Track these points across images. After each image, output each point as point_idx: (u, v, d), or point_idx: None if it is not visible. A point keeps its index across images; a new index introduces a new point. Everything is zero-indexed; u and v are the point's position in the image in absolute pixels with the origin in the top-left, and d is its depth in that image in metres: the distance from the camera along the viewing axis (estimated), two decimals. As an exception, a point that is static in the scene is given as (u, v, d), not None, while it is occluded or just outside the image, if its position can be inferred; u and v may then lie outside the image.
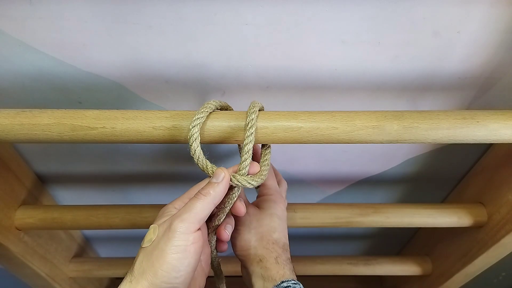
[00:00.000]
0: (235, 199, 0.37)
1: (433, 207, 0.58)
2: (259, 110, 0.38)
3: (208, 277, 0.40)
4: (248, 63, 0.45)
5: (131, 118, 0.36)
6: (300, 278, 0.39)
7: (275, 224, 0.41)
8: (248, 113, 0.36)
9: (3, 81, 0.46)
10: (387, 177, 0.67)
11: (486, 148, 0.58)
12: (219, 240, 0.40)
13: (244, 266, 0.41)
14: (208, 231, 0.38)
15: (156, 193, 0.69)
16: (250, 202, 0.45)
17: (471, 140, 0.37)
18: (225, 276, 0.46)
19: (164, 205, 0.37)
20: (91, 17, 0.40)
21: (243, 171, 0.35)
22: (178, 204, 0.36)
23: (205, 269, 0.39)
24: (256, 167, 0.38)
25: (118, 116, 0.36)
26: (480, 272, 0.63)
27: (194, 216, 0.32)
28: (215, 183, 0.34)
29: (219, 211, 0.37)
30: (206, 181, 0.37)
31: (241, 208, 0.38)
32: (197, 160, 0.35)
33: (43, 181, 0.66)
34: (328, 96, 0.49)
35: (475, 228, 0.59)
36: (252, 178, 0.36)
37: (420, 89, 0.48)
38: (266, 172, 0.37)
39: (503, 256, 0.58)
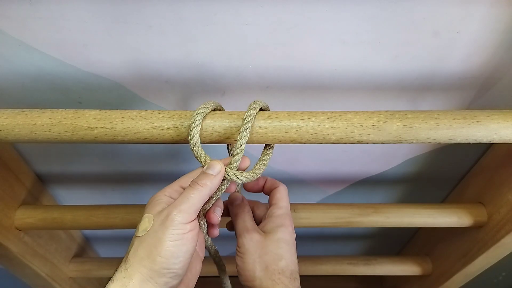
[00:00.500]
0: (223, 190, 0.37)
1: (433, 207, 0.58)
2: (262, 109, 0.38)
3: (212, 277, 0.40)
4: (248, 63, 0.45)
5: (131, 118, 0.36)
6: (300, 278, 0.39)
7: (281, 251, 0.38)
8: (248, 109, 0.36)
9: (3, 81, 0.46)
10: (387, 177, 0.67)
11: (486, 148, 0.58)
12: (210, 225, 0.40)
13: None
14: (198, 217, 0.38)
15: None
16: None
17: (471, 140, 0.37)
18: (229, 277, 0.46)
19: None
20: (91, 17, 0.40)
21: (233, 165, 0.36)
22: (169, 192, 0.36)
23: (200, 254, 0.39)
24: (246, 162, 0.37)
25: (118, 116, 0.36)
26: (480, 272, 0.63)
27: (191, 207, 0.33)
28: (212, 175, 0.34)
29: (207, 201, 0.38)
30: (198, 170, 0.37)
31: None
32: (193, 146, 0.35)
33: (43, 181, 0.66)
34: (328, 96, 0.49)
35: (475, 228, 0.59)
36: (241, 174, 0.36)
37: (420, 89, 0.48)
38: (260, 172, 0.37)
39: (503, 256, 0.58)
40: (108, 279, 0.32)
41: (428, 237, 0.78)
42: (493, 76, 0.47)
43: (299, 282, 0.38)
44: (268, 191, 0.44)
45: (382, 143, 0.37)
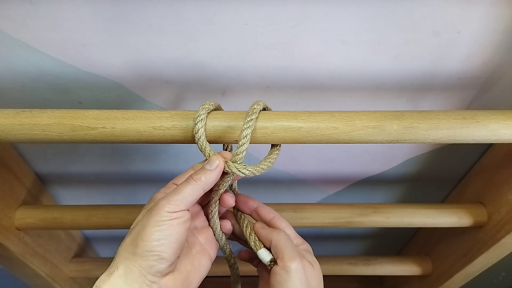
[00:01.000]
0: (228, 183, 0.37)
1: (433, 207, 0.58)
2: (264, 109, 0.38)
3: (215, 277, 0.39)
4: (248, 63, 0.45)
5: (131, 118, 0.36)
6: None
7: (321, 281, 0.37)
8: (253, 104, 0.36)
9: (3, 81, 0.46)
10: (387, 177, 0.67)
11: (486, 148, 0.58)
12: (223, 220, 0.40)
13: None
14: (209, 213, 0.38)
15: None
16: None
17: (471, 140, 0.37)
18: (240, 276, 0.45)
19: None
20: (91, 17, 0.40)
21: (237, 157, 0.35)
22: (164, 190, 0.37)
23: (210, 252, 0.38)
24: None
25: (118, 116, 0.36)
26: (480, 272, 0.63)
27: (181, 199, 0.32)
28: (208, 170, 0.34)
29: (214, 194, 0.37)
30: (201, 164, 0.37)
31: (229, 200, 0.38)
32: (198, 139, 0.35)
33: (43, 181, 0.66)
34: (328, 96, 0.49)
35: (475, 228, 0.59)
36: (244, 167, 0.35)
37: (420, 89, 0.48)
38: (265, 168, 0.37)
39: (503, 256, 0.58)
40: (108, 279, 0.32)
41: (428, 237, 0.78)
42: (493, 76, 0.47)
43: None
44: (261, 220, 0.41)
45: (382, 143, 0.37)
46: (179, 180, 0.38)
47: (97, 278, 0.32)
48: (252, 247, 0.39)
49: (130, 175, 0.66)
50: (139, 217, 0.35)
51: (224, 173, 0.36)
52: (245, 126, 0.35)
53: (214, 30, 0.41)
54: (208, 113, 0.36)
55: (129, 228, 0.35)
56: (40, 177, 0.65)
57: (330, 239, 0.91)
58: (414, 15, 0.40)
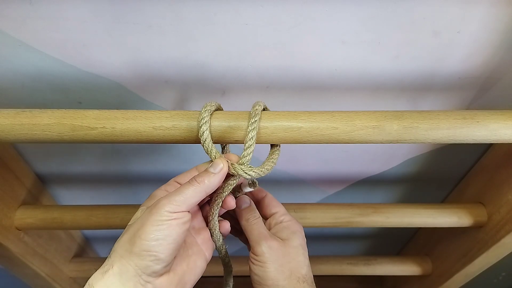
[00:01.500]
0: (234, 185, 0.37)
1: (433, 207, 0.58)
2: (263, 109, 0.38)
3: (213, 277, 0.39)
4: (248, 63, 0.45)
5: (131, 118, 0.36)
6: (300, 278, 0.39)
7: (302, 257, 0.38)
8: (253, 105, 0.36)
9: (3, 81, 0.46)
10: (387, 177, 0.67)
11: (486, 148, 0.58)
12: (222, 221, 0.40)
13: None
14: (209, 215, 0.38)
15: (156, 193, 0.69)
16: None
17: (471, 140, 0.37)
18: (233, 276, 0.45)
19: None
20: (91, 17, 0.40)
21: (244, 159, 0.35)
22: (165, 187, 0.37)
23: (205, 252, 0.38)
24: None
25: (118, 116, 0.36)
26: (480, 272, 0.63)
27: (182, 200, 0.32)
28: (212, 173, 0.34)
29: (217, 197, 0.37)
30: (205, 165, 0.37)
31: (230, 202, 0.38)
32: (204, 142, 0.35)
33: (43, 181, 0.66)
34: (328, 96, 0.49)
35: (475, 228, 0.59)
36: (250, 169, 0.35)
37: (420, 89, 0.48)
38: (270, 168, 0.37)
39: (503, 256, 0.58)
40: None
41: (428, 237, 0.78)
42: (493, 76, 0.47)
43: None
44: (253, 199, 0.43)
45: (382, 143, 0.37)
46: (181, 178, 0.38)
47: (96, 278, 0.32)
48: (238, 190, 0.40)
49: (130, 175, 0.66)
50: (138, 214, 0.35)
51: (230, 176, 0.36)
52: (250, 128, 0.35)
53: (214, 30, 0.41)
54: (211, 114, 0.36)
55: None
56: (40, 177, 0.65)
57: (330, 239, 0.91)
58: (414, 15, 0.40)
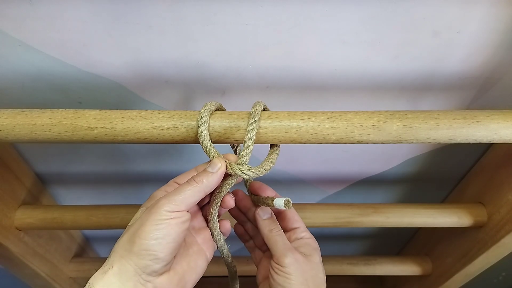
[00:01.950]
0: (232, 185, 0.37)
1: (433, 207, 0.58)
2: (263, 109, 0.38)
3: (214, 277, 0.39)
4: (248, 63, 0.45)
5: (131, 118, 0.36)
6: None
7: (322, 275, 0.38)
8: (253, 105, 0.36)
9: (3, 81, 0.46)
10: (387, 177, 0.67)
11: (486, 148, 0.58)
12: (222, 220, 0.40)
13: None
14: (208, 215, 0.38)
15: (156, 193, 0.69)
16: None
17: (471, 140, 0.37)
18: (238, 276, 0.45)
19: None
20: (91, 17, 0.40)
21: (242, 159, 0.35)
22: (165, 188, 0.37)
23: (206, 253, 0.38)
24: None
25: (118, 116, 0.36)
26: (480, 272, 0.63)
27: (181, 200, 0.32)
28: (210, 172, 0.34)
29: (215, 196, 0.37)
30: (204, 165, 0.37)
31: (229, 201, 0.38)
32: (202, 141, 0.35)
33: (43, 181, 0.66)
34: (328, 96, 0.49)
35: (475, 228, 0.59)
36: (248, 169, 0.35)
37: (420, 89, 0.48)
38: (268, 168, 0.37)
39: (503, 256, 0.58)
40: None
41: (428, 237, 0.78)
42: (493, 76, 0.47)
43: None
44: (274, 210, 0.42)
45: (382, 143, 0.37)
46: (180, 179, 0.38)
47: (96, 278, 0.32)
48: (266, 202, 0.39)
49: (130, 175, 0.66)
50: (137, 214, 0.35)
51: (228, 175, 0.36)
52: (249, 128, 0.35)
53: (214, 30, 0.41)
54: (210, 114, 0.36)
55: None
56: (40, 177, 0.65)
57: (330, 239, 0.92)
58: (414, 15, 0.40)
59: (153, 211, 0.32)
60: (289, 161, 0.63)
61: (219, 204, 0.38)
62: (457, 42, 0.43)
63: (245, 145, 0.35)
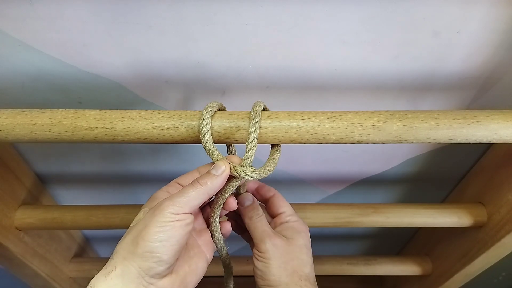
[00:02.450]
0: (235, 187, 0.37)
1: (433, 207, 0.58)
2: (263, 109, 0.38)
3: (214, 277, 0.39)
4: (248, 63, 0.45)
5: (131, 118, 0.36)
6: (300, 278, 0.39)
7: (306, 257, 0.39)
8: (253, 106, 0.36)
9: (3, 81, 0.46)
10: (387, 177, 0.67)
11: (486, 148, 0.58)
12: (223, 222, 0.40)
13: None
14: (210, 217, 0.38)
15: (156, 193, 0.69)
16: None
17: (471, 140, 0.37)
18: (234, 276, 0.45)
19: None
20: (91, 17, 0.40)
21: (246, 161, 0.35)
22: (167, 189, 0.37)
23: (206, 253, 0.38)
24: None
25: (118, 116, 0.36)
26: (480, 272, 0.63)
27: (185, 202, 0.32)
28: (214, 175, 0.34)
29: (218, 198, 0.37)
30: (207, 167, 0.37)
31: (232, 203, 0.38)
32: (205, 144, 0.35)
33: (43, 181, 0.66)
34: (328, 96, 0.49)
35: (475, 228, 0.59)
36: (252, 170, 0.35)
37: (420, 89, 0.48)
38: (271, 169, 0.37)
39: (503, 256, 0.58)
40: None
41: (428, 237, 0.78)
42: (493, 76, 0.47)
43: None
44: (261, 198, 0.44)
45: (382, 143, 0.37)
46: (182, 179, 0.38)
47: (96, 278, 0.32)
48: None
49: (130, 175, 0.66)
50: (140, 215, 0.35)
51: (231, 177, 0.36)
52: (251, 129, 0.35)
53: (214, 30, 0.41)
54: (212, 115, 0.36)
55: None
56: (40, 177, 0.65)
57: (330, 239, 0.92)
58: (414, 15, 0.40)
59: (157, 213, 0.32)
60: (289, 161, 0.63)
61: (221, 206, 0.38)
62: (457, 42, 0.43)
63: (248, 146, 0.35)
